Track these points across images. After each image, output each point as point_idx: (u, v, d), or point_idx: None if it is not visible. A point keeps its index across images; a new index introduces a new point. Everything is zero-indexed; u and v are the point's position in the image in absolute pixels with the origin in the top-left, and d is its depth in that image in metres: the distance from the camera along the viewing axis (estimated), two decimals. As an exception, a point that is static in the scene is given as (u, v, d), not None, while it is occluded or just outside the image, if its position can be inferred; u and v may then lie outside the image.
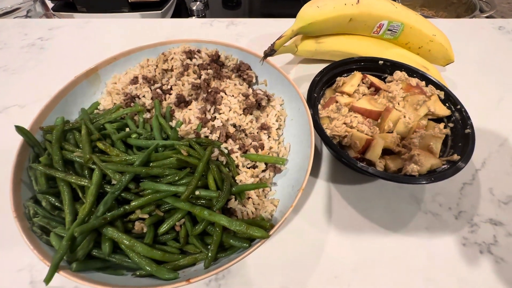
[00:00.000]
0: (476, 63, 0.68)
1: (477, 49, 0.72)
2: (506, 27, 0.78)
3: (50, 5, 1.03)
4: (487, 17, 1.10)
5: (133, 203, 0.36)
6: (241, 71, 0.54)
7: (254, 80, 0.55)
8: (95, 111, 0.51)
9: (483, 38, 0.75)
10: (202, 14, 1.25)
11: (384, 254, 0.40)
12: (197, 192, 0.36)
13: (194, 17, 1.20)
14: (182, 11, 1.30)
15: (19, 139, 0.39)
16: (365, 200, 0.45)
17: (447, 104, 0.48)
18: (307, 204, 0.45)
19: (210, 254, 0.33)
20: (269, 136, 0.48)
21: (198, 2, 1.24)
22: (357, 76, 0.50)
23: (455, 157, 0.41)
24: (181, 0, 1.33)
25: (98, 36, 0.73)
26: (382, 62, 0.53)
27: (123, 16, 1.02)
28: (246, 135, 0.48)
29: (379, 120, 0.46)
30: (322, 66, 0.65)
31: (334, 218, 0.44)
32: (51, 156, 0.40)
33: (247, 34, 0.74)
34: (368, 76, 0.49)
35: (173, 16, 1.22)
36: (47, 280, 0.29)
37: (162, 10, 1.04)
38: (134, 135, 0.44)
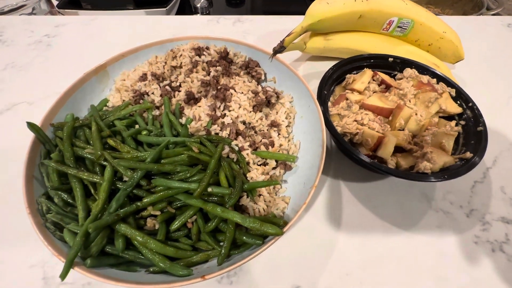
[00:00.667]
0: (485, 60, 0.68)
1: (486, 46, 0.71)
2: (515, 24, 0.77)
3: (55, 2, 1.03)
4: (494, 14, 1.09)
5: (145, 200, 0.36)
6: (250, 68, 0.54)
7: (263, 77, 0.55)
8: (104, 108, 0.50)
9: (491, 36, 0.74)
10: (206, 12, 1.24)
11: (395, 252, 0.40)
12: (209, 189, 0.36)
13: (198, 15, 1.19)
14: (186, 9, 1.30)
15: (28, 135, 0.39)
16: (375, 197, 0.45)
17: (458, 102, 0.48)
18: (317, 202, 0.45)
19: (223, 251, 0.33)
20: (279, 134, 0.48)
21: (202, 0, 1.24)
22: (367, 73, 0.50)
23: (468, 154, 0.41)
24: (186, -3, 1.32)
25: (103, 33, 0.72)
26: (392, 59, 0.53)
27: (128, 13, 1.02)
28: (256, 132, 0.48)
29: (390, 118, 0.46)
30: (330, 63, 0.65)
31: (345, 215, 0.43)
32: (62, 152, 0.40)
33: (254, 31, 0.73)
34: (379, 73, 0.49)
35: (178, 13, 1.21)
36: (63, 276, 0.29)
37: (167, 8, 1.03)
38: (144, 132, 0.44)
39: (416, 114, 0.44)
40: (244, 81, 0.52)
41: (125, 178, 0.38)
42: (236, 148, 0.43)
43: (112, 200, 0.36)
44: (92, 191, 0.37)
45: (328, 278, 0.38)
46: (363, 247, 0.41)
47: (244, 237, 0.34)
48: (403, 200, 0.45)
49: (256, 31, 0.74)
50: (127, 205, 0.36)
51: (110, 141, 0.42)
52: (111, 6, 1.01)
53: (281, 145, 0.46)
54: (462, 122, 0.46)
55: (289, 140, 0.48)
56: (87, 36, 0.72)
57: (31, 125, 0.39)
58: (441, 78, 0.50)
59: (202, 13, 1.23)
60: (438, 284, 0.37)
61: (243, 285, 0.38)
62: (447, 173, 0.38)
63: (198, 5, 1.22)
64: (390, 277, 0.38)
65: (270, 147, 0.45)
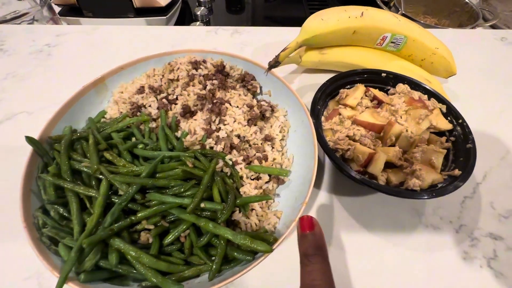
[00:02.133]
0: (478, 74, 0.69)
1: (479, 60, 0.72)
2: (508, 38, 0.78)
3: (57, 9, 1.04)
4: (491, 26, 1.11)
5: (139, 214, 0.37)
6: (246, 81, 0.55)
7: (258, 91, 0.56)
8: (102, 119, 0.51)
9: (485, 49, 0.76)
10: (206, 19, 1.26)
11: (385, 266, 0.41)
12: (202, 205, 0.37)
13: (198, 22, 1.21)
14: (186, 16, 1.32)
15: (28, 145, 0.40)
16: (367, 212, 0.46)
17: (449, 118, 0.49)
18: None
19: (214, 266, 0.34)
20: (272, 147, 0.49)
21: (202, 8, 1.25)
22: (360, 89, 0.51)
23: (456, 172, 0.41)
24: (186, 5, 1.34)
25: (105, 43, 0.74)
26: (385, 74, 0.54)
27: (128, 23, 1.03)
28: (250, 145, 0.49)
29: (381, 134, 0.47)
30: (326, 75, 0.66)
31: (336, 229, 0.44)
32: (60, 166, 0.41)
33: (251, 43, 0.75)
34: (371, 89, 0.50)
35: (178, 20, 1.23)
36: (57, 291, 0.30)
37: (167, 16, 1.05)
38: (140, 146, 0.45)
39: (406, 131, 0.45)
40: (239, 94, 0.53)
41: (121, 192, 0.39)
42: (230, 163, 0.44)
43: (107, 214, 0.36)
44: (88, 204, 0.38)
45: (318, 293, 0.38)
46: (354, 261, 0.41)
47: (235, 253, 0.35)
48: (394, 215, 0.46)
49: (254, 42, 0.75)
50: (121, 219, 0.37)
51: (107, 155, 0.43)
52: (112, 14, 1.02)
53: (274, 159, 0.47)
54: (452, 138, 0.47)
55: (282, 154, 0.49)
56: (89, 46, 0.73)
57: (29, 139, 0.40)
58: (432, 94, 0.51)
59: (202, 21, 1.25)
60: (426, 300, 0.38)
61: (234, 298, 0.38)
62: (434, 190, 0.39)
63: (198, 13, 1.23)
64: (379, 292, 0.39)
65: (263, 161, 0.46)
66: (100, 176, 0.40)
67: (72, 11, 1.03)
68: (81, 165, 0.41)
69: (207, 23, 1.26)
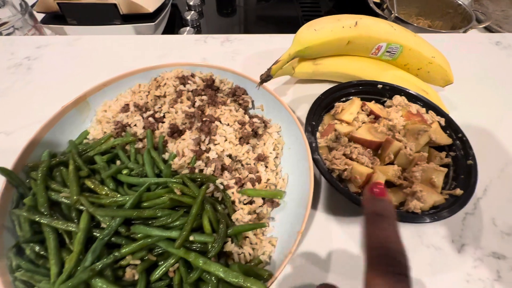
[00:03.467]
0: (475, 80, 0.67)
1: (475, 65, 0.71)
2: (503, 42, 0.77)
3: (40, 17, 1.00)
4: (484, 27, 1.10)
5: (123, 250, 0.34)
6: (237, 96, 0.53)
7: (250, 105, 0.53)
8: (85, 141, 0.48)
9: (481, 54, 0.74)
10: (196, 24, 1.23)
11: (386, 293, 0.39)
12: (191, 238, 0.35)
13: (188, 27, 1.17)
14: (176, 21, 1.28)
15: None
16: (366, 233, 0.44)
17: (448, 132, 0.47)
18: (306, 240, 0.43)
19: (205, 306, 0.32)
20: (266, 167, 0.46)
21: (192, 12, 1.22)
22: (356, 103, 0.49)
23: (458, 192, 0.40)
24: (175, 9, 1.30)
25: (88, 54, 0.70)
26: (381, 86, 0.52)
27: (115, 29, 1.00)
28: (242, 165, 0.46)
29: (379, 151, 0.45)
30: (321, 85, 0.64)
31: (334, 255, 0.42)
32: (36, 197, 0.38)
33: (243, 51, 0.72)
34: (367, 104, 0.48)
35: (167, 26, 1.19)
36: None
37: (155, 22, 1.01)
38: (125, 171, 0.42)
39: (405, 148, 0.43)
40: (230, 110, 0.51)
41: (103, 225, 0.36)
42: (221, 187, 0.42)
43: (88, 251, 0.34)
44: (67, 240, 0.35)
45: (317, 325, 0.36)
46: (354, 288, 0.39)
47: (228, 291, 0.33)
48: (394, 235, 0.44)
49: (246, 51, 0.72)
50: (104, 256, 0.34)
51: (88, 183, 0.40)
52: (97, 21, 0.98)
53: (268, 179, 0.45)
54: (452, 154, 0.45)
55: (277, 174, 0.46)
56: (71, 58, 0.69)
57: (1, 170, 0.37)
58: (430, 107, 0.49)
59: (192, 25, 1.22)
60: (430, 328, 0.36)
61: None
62: (436, 213, 0.37)
63: (188, 17, 1.20)
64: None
65: (256, 183, 0.43)
66: (81, 207, 0.37)
67: (56, 19, 0.99)
68: (59, 195, 0.38)
69: (197, 27, 1.23)
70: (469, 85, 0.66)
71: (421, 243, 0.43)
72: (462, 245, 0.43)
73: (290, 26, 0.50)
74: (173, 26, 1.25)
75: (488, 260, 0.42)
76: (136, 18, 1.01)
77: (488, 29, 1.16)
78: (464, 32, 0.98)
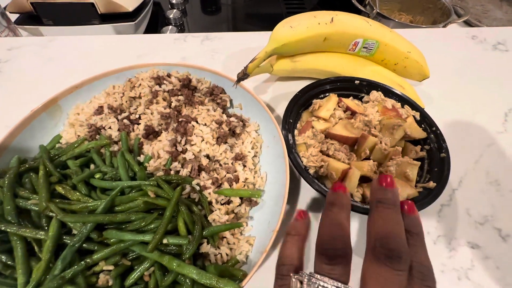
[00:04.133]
0: (452, 74, 0.69)
1: (452, 59, 0.72)
2: (479, 36, 0.79)
3: (14, 17, 0.96)
4: (464, 22, 1.13)
5: (95, 256, 0.33)
6: (215, 95, 0.52)
7: (228, 104, 0.53)
8: (57, 145, 0.47)
9: (458, 48, 0.76)
10: (179, 22, 1.21)
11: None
12: (165, 241, 0.34)
13: (171, 26, 1.15)
14: (159, 19, 1.26)
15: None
16: (344, 228, 0.44)
17: (423, 126, 0.48)
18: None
19: (179, 309, 0.31)
20: (244, 166, 0.46)
21: (175, 10, 1.20)
22: (333, 99, 0.49)
23: (431, 184, 0.40)
24: (158, 7, 1.28)
25: (63, 56, 0.68)
26: (358, 81, 0.52)
27: (93, 29, 0.97)
28: (220, 165, 0.46)
29: (355, 147, 0.45)
30: (301, 82, 0.64)
31: (313, 249, 0.42)
32: (3, 205, 0.36)
33: (223, 50, 0.71)
34: (344, 100, 0.48)
35: (149, 24, 1.17)
36: None
37: (136, 21, 0.99)
38: (97, 175, 0.41)
39: (380, 143, 0.43)
40: (208, 109, 0.50)
41: (74, 231, 0.35)
42: (198, 188, 0.41)
43: (58, 259, 0.33)
44: (36, 249, 0.34)
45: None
46: (332, 283, 0.39)
47: (202, 292, 0.32)
48: (372, 229, 0.44)
49: (226, 49, 0.72)
50: (75, 262, 0.33)
51: (59, 188, 0.39)
52: (74, 21, 0.95)
53: (246, 179, 0.44)
54: (427, 147, 0.46)
55: (255, 172, 0.46)
56: (45, 60, 0.67)
57: (-36, 179, 0.36)
58: (405, 101, 0.50)
59: (175, 24, 1.20)
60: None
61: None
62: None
63: (171, 16, 1.18)
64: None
65: (234, 182, 0.43)
66: (51, 214, 0.36)
67: (31, 19, 0.96)
68: (28, 203, 0.37)
69: (180, 26, 1.21)
70: (447, 79, 0.67)
71: (398, 236, 0.44)
72: (438, 236, 0.44)
73: (276, 23, 0.50)
74: (156, 25, 1.23)
75: (462, 250, 0.43)
76: (115, 17, 0.99)
77: (468, 23, 1.18)
78: (444, 26, 1.00)
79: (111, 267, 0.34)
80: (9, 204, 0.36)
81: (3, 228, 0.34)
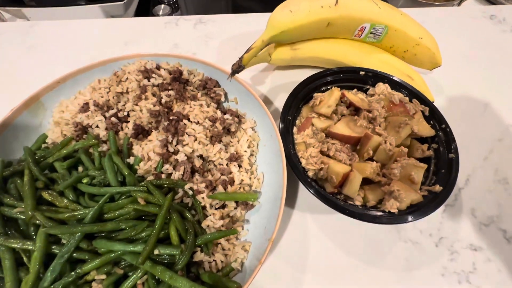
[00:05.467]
0: (465, 60, 0.63)
1: (466, 43, 0.66)
2: (498, 15, 0.72)
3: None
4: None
5: (85, 267, 0.33)
6: (208, 88, 0.49)
7: (223, 98, 0.49)
8: (43, 145, 0.45)
9: (473, 30, 0.70)
10: (172, 0, 1.12)
11: (362, 290, 0.39)
12: (156, 252, 0.33)
13: (163, 5, 1.08)
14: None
15: None
16: (343, 231, 0.43)
17: (431, 122, 0.45)
18: (283, 240, 0.42)
19: (173, 321, 0.31)
20: (240, 166, 0.44)
21: (167, -13, 1.11)
22: (335, 94, 0.45)
23: (437, 188, 0.38)
24: (149, -15, 1.18)
25: (46, 44, 0.63)
26: (363, 73, 0.48)
27: (80, 10, 0.90)
28: (215, 165, 0.44)
29: (358, 146, 0.42)
30: (301, 71, 0.59)
31: (311, 254, 0.41)
32: (-12, 214, 0.35)
33: (217, 34, 0.66)
34: (347, 95, 0.45)
35: (140, 4, 1.09)
36: None
37: (125, 1, 0.92)
38: (85, 180, 0.39)
39: (385, 143, 0.41)
40: (201, 105, 0.47)
41: (64, 241, 0.34)
42: (191, 192, 0.39)
43: (47, 270, 0.32)
44: (25, 259, 0.33)
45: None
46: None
47: (196, 304, 0.32)
48: (371, 232, 0.43)
49: (220, 34, 0.66)
50: (66, 273, 0.33)
51: (45, 195, 0.37)
52: (59, 2, 0.88)
53: (242, 180, 0.42)
54: (435, 146, 0.43)
55: (252, 173, 0.44)
56: (27, 48, 0.63)
57: None
58: (414, 95, 0.46)
59: (168, 2, 1.11)
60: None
61: None
62: (413, 212, 0.36)
63: (163, -6, 1.09)
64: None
65: (229, 185, 0.41)
66: (39, 222, 0.35)
67: (12, 1, 0.89)
68: (14, 211, 0.35)
69: (174, 4, 1.12)
70: (458, 66, 0.62)
71: (399, 238, 0.43)
72: (440, 238, 0.43)
73: (279, 1, 0.45)
74: (148, 3, 1.15)
75: (464, 252, 0.42)
76: (102, -3, 0.92)
77: (488, 0, 1.09)
78: (460, 3, 0.92)
79: (103, 276, 0.33)
80: (-7, 213, 0.34)
81: (-12, 240, 0.33)
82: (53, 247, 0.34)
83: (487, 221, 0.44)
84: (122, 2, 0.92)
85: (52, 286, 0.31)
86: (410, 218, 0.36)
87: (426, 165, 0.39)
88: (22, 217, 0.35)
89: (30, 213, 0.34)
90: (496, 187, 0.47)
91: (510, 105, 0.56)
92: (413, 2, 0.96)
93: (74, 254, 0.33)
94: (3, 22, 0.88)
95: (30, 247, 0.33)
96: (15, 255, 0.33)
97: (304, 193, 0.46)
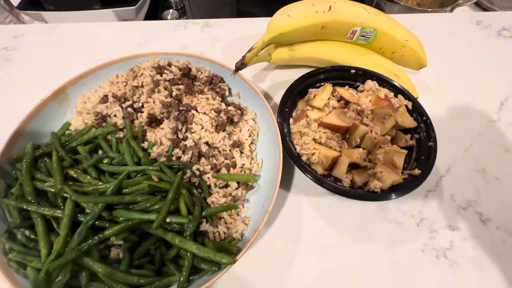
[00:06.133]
0: (452, 62, 0.69)
1: (453, 46, 0.72)
2: (484, 21, 0.77)
3: (15, 2, 0.97)
4: (475, 3, 1.09)
5: (106, 232, 0.38)
6: (214, 84, 0.54)
7: (227, 93, 0.55)
8: (67, 132, 0.50)
9: (461, 35, 0.75)
10: (180, 5, 1.19)
11: (350, 263, 0.43)
12: (168, 220, 0.38)
13: (171, 10, 1.14)
14: (160, 2, 1.24)
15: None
16: (334, 211, 0.48)
17: (414, 115, 0.49)
18: (279, 218, 0.47)
19: (182, 278, 0.36)
20: (241, 152, 0.49)
21: (175, -7, 1.18)
22: (328, 89, 0.50)
23: (416, 171, 0.43)
24: (158, -10, 1.26)
25: (67, 44, 0.70)
26: (354, 71, 0.54)
27: (95, 14, 0.97)
28: (219, 151, 0.49)
29: (347, 135, 0.47)
30: (299, 70, 0.65)
31: (305, 231, 0.46)
32: (23, 187, 0.40)
33: (223, 37, 0.72)
34: (338, 90, 0.50)
35: (150, 9, 1.16)
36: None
37: (136, 6, 0.98)
38: (106, 160, 0.44)
39: (371, 132, 0.46)
40: (208, 98, 0.52)
41: (88, 210, 0.39)
42: (197, 173, 0.44)
43: (74, 234, 0.37)
44: (55, 225, 0.38)
45: (286, 291, 0.41)
46: (322, 260, 0.44)
47: (202, 265, 0.36)
48: (361, 212, 0.48)
49: (226, 36, 0.72)
50: (90, 237, 0.38)
51: (71, 172, 0.42)
52: (76, 6, 0.95)
53: (243, 165, 0.47)
54: (417, 136, 0.48)
55: (252, 159, 0.49)
56: (49, 47, 0.69)
57: (-13, 163, 0.39)
58: (399, 91, 0.51)
59: (176, 7, 1.18)
60: (386, 291, 0.41)
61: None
62: (394, 191, 0.41)
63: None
64: None
65: (231, 168, 0.46)
66: (66, 195, 0.40)
67: (32, 4, 0.96)
68: (45, 185, 0.41)
69: (181, 9, 1.19)
70: (446, 68, 0.67)
71: (384, 218, 0.47)
72: (421, 219, 0.47)
73: (281, 5, 0.49)
74: (156, 9, 1.22)
75: (443, 231, 0.46)
76: (116, 2, 0.99)
77: (479, 5, 1.14)
78: (452, 9, 0.97)
79: (121, 242, 0.38)
80: (28, 186, 0.40)
81: (25, 207, 0.38)
82: (79, 215, 0.39)
83: (465, 205, 0.49)
84: (134, 7, 0.99)
85: (79, 247, 0.36)
86: (392, 196, 0.40)
87: (406, 151, 0.44)
88: (52, 190, 0.40)
89: (59, 186, 0.40)
90: (475, 176, 0.52)
91: (491, 103, 0.61)
92: (408, 9, 1.01)
93: (96, 222, 0.39)
94: (22, 24, 0.95)
95: (60, 215, 0.38)
96: (46, 221, 0.39)
97: (298, 177, 0.51)
